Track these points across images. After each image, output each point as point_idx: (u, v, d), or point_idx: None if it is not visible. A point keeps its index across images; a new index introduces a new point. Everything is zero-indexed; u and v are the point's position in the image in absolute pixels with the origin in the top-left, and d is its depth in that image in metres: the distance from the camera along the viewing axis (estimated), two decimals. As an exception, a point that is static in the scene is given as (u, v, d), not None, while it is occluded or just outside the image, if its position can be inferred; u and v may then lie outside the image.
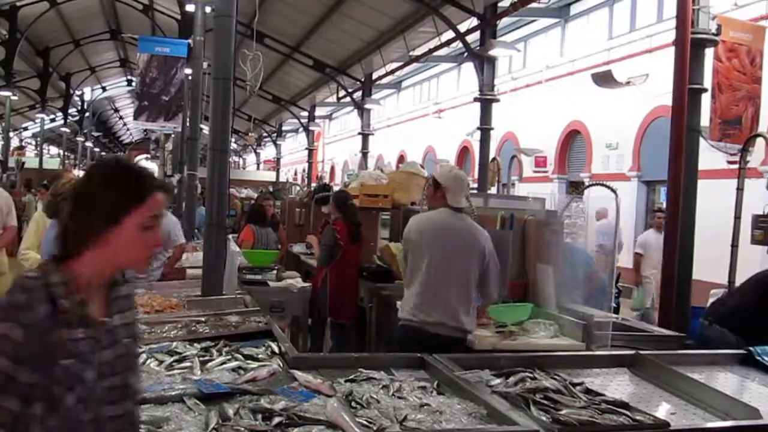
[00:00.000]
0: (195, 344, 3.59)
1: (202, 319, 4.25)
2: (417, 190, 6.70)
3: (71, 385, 1.61)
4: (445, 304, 4.10)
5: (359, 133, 21.73)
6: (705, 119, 7.43)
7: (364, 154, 21.14)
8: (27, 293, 1.60)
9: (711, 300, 6.43)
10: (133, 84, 24.31)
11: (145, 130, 37.09)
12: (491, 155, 13.93)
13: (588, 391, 3.01)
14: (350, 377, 3.09)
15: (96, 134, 44.06)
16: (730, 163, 9.06)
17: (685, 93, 6.47)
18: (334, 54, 19.18)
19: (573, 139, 17.04)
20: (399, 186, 7.51)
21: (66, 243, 1.68)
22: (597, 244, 8.67)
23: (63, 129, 33.70)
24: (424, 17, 14.60)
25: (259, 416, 2.54)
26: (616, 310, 6.82)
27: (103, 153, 56.20)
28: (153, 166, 29.95)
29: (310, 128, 28.76)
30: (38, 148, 36.18)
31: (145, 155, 46.00)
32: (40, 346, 1.57)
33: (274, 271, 6.58)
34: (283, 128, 34.86)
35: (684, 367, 3.48)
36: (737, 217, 6.96)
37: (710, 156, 8.46)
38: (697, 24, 6.76)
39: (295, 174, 37.35)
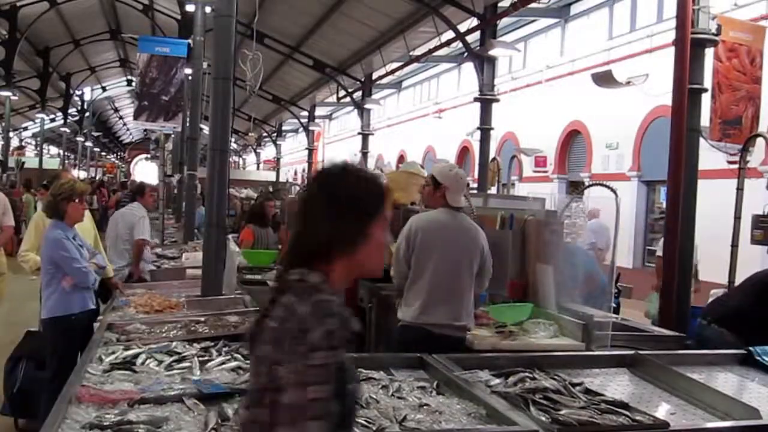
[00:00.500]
0: (194, 344, 3.59)
1: (202, 319, 4.25)
2: (416, 190, 6.68)
3: (351, 410, 1.59)
4: (451, 305, 4.10)
5: (359, 133, 21.73)
6: (705, 119, 7.42)
7: (364, 154, 21.15)
8: (336, 318, 1.54)
9: (711, 300, 6.43)
10: (133, 84, 24.30)
11: (145, 130, 37.07)
12: (491, 155, 13.93)
13: (587, 391, 3.01)
14: (350, 377, 3.09)
15: (96, 134, 44.03)
16: (730, 163, 9.05)
17: (685, 93, 6.45)
18: (334, 54, 19.17)
19: (573, 139, 17.03)
20: (398, 186, 7.47)
21: (317, 254, 1.63)
22: (589, 242, 8.68)
23: (63, 129, 33.68)
24: (424, 17, 14.59)
25: (259, 416, 2.54)
26: (616, 310, 6.81)
27: (103, 153, 56.29)
28: (153, 166, 29.96)
29: (310, 128, 28.76)
30: (38, 148, 36.15)
31: (145, 155, 46.07)
32: (342, 374, 1.54)
33: (274, 271, 6.58)
34: (283, 128, 34.86)
35: (684, 367, 3.48)
36: (737, 217, 6.95)
37: (710, 156, 8.45)
38: (697, 24, 6.74)
39: (295, 174, 37.35)
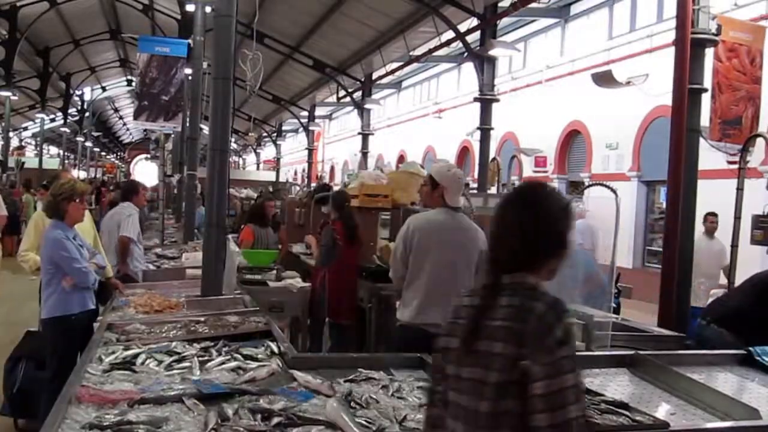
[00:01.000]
0: (194, 344, 3.59)
1: (202, 319, 4.25)
2: (416, 190, 6.70)
3: None
4: (449, 306, 4.07)
5: (359, 133, 21.74)
6: (705, 119, 7.42)
7: (364, 154, 21.15)
8: (568, 314, 1.80)
9: (711, 300, 6.43)
10: (133, 84, 24.30)
11: (145, 130, 37.13)
12: (491, 155, 13.92)
13: (587, 391, 3.00)
14: (349, 377, 3.09)
15: (96, 134, 44.04)
16: (730, 163, 9.06)
17: (685, 93, 6.46)
18: (334, 54, 19.18)
19: (573, 139, 17.03)
20: (399, 186, 7.50)
21: (532, 260, 1.88)
22: (576, 243, 8.68)
23: (63, 129, 33.69)
24: (424, 17, 14.60)
25: (259, 416, 2.54)
26: (617, 311, 6.82)
27: (103, 153, 56.29)
28: (153, 166, 29.95)
29: (310, 128, 28.78)
30: (38, 148, 36.16)
31: (144, 155, 46.09)
32: None
33: (274, 271, 6.57)
34: (283, 128, 34.87)
35: (684, 367, 3.48)
36: (737, 217, 6.95)
37: (710, 156, 8.45)
38: (697, 24, 6.75)
39: (295, 174, 37.37)
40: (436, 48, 16.02)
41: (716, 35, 7.15)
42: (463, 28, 13.92)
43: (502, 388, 1.73)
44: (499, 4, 13.33)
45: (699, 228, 8.27)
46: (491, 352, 1.76)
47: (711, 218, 8.30)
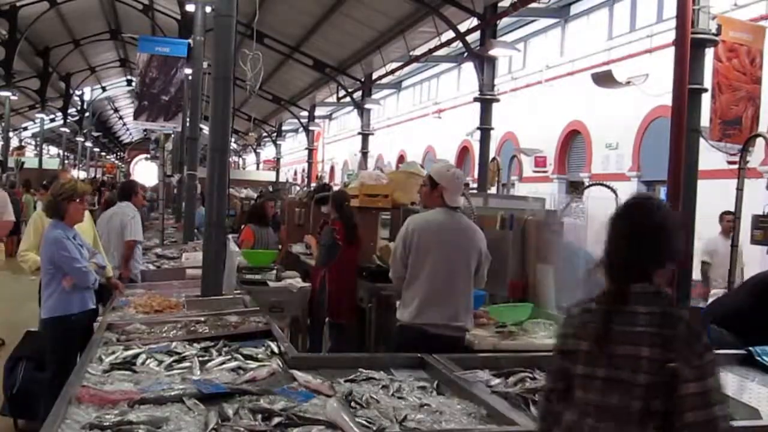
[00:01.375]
0: (194, 344, 3.59)
1: (202, 319, 4.26)
2: (416, 190, 6.70)
3: None
4: (448, 306, 4.10)
5: (359, 133, 21.73)
6: (705, 119, 7.42)
7: (364, 154, 21.14)
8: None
9: (711, 300, 6.43)
10: (133, 84, 24.32)
11: (144, 130, 37.08)
12: (491, 155, 13.92)
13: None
14: (350, 377, 3.09)
15: (96, 134, 44.02)
16: (730, 163, 9.05)
17: (685, 93, 6.45)
18: (334, 54, 19.17)
19: (573, 139, 17.02)
20: (399, 186, 7.50)
21: (651, 270, 2.03)
22: None
23: (63, 129, 33.67)
24: (424, 17, 14.59)
25: (259, 416, 2.54)
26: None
27: (103, 153, 56.27)
28: (153, 166, 29.95)
29: (310, 128, 28.77)
30: (38, 148, 36.15)
31: (144, 155, 46.08)
32: None
33: (274, 271, 6.57)
34: (283, 128, 34.86)
35: (684, 367, 3.47)
36: (737, 217, 6.95)
37: (710, 156, 8.45)
38: (697, 24, 6.75)
39: (295, 174, 37.37)
40: (436, 48, 16.01)
41: (716, 35, 7.15)
42: (463, 28, 13.91)
43: (651, 388, 1.88)
44: (499, 4, 13.31)
45: (716, 228, 8.26)
46: (638, 356, 1.90)
47: (728, 217, 7.90)
